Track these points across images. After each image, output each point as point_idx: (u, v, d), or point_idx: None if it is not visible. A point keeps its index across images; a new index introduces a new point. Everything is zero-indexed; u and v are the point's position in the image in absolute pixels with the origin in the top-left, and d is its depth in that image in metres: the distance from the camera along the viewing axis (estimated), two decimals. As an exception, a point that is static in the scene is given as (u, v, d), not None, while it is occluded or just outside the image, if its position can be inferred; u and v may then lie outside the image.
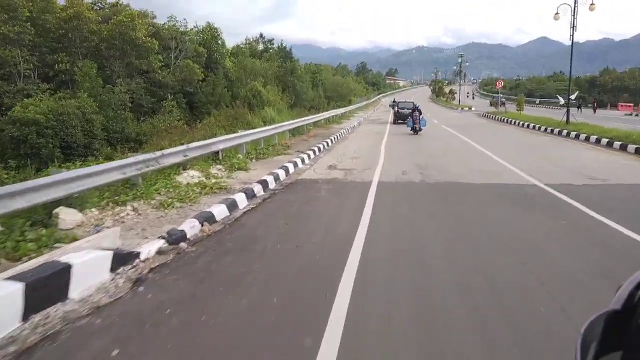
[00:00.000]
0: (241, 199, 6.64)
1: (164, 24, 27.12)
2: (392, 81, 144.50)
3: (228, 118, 16.17)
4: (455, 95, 65.18)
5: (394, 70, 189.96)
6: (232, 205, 6.31)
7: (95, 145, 19.19)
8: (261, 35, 45.76)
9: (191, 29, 30.34)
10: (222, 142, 9.46)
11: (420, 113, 18.69)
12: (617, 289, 0.53)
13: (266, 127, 12.88)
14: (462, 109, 48.40)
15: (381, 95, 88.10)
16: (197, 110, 28.62)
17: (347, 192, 7.66)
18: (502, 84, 33.90)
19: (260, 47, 44.59)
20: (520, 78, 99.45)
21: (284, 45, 45.02)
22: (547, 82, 65.38)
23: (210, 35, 31.30)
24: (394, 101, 33.44)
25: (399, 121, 24.61)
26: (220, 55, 31.49)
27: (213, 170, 8.70)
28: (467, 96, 72.84)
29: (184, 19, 28.04)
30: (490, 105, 41.38)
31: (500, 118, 27.91)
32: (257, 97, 28.74)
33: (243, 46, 42.38)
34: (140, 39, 22.70)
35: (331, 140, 16.17)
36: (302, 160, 11.01)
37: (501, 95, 44.05)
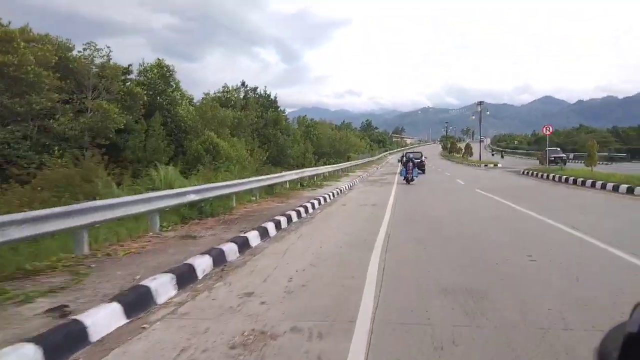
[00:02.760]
0: None
1: (78, 52, 19.56)
2: (398, 139, 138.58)
3: (56, 182, 7.69)
4: (472, 151, 57.18)
5: (401, 128, 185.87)
6: None
7: None
8: (243, 83, 38.71)
9: (128, 66, 22.92)
10: None
11: (414, 165, 19.32)
12: (632, 309, 0.52)
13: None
14: (486, 165, 40.05)
15: (387, 152, 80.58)
16: (125, 170, 20.40)
17: None
18: (552, 129, 25.35)
19: (242, 95, 37.46)
20: (537, 133, 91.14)
21: (267, 93, 37.83)
22: (578, 134, 57.01)
23: (157, 75, 23.88)
24: (404, 154, 26.28)
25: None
26: (169, 99, 23.83)
27: None
28: (493, 154, 64.63)
29: (107, 47, 20.16)
30: (540, 163, 31.23)
31: (560, 177, 19.00)
32: (213, 151, 21.04)
33: (220, 94, 35.23)
34: (12, 66, 14.93)
35: (269, 228, 7.35)
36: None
37: (558, 148, 34.99)
